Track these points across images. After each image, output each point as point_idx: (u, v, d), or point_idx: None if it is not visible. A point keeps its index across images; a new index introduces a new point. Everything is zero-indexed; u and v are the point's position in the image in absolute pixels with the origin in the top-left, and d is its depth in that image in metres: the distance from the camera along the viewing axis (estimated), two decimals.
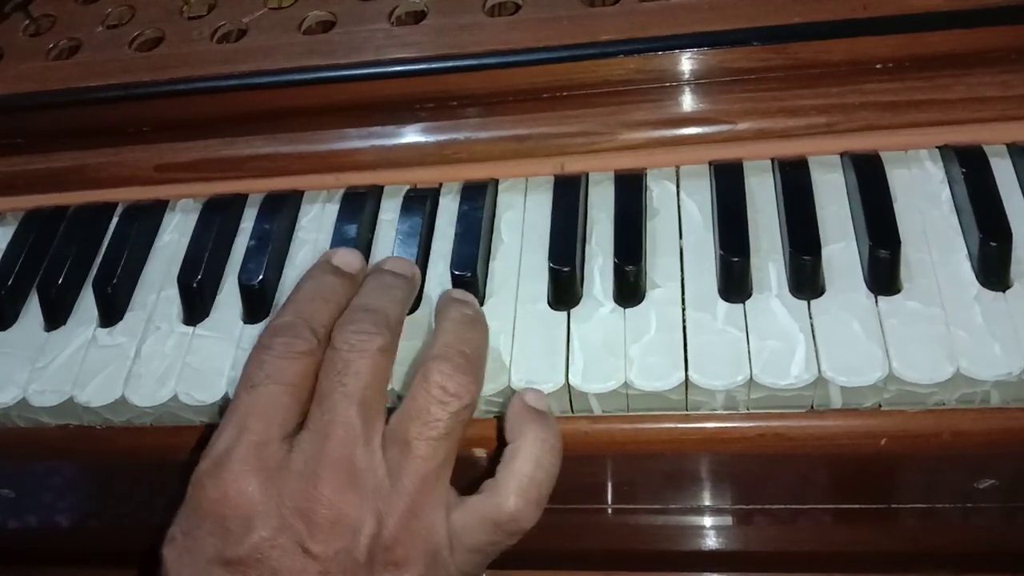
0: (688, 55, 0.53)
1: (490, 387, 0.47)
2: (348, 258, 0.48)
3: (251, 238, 0.55)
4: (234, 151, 0.57)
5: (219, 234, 0.56)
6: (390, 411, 0.43)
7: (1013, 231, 0.46)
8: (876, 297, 0.46)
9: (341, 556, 0.39)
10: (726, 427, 0.47)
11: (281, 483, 0.40)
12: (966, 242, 0.47)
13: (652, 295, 0.48)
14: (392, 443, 0.41)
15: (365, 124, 0.56)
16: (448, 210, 0.54)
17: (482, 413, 0.48)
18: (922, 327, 0.44)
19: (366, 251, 0.54)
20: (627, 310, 0.48)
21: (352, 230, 0.54)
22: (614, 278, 0.49)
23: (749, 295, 0.47)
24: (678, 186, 0.53)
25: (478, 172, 0.55)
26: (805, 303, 0.46)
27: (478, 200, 0.54)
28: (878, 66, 0.52)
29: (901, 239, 0.46)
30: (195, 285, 0.53)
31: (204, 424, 0.50)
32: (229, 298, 0.53)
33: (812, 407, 0.46)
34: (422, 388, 0.42)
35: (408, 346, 0.49)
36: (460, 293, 0.49)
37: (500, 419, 0.49)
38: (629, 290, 0.48)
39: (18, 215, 0.61)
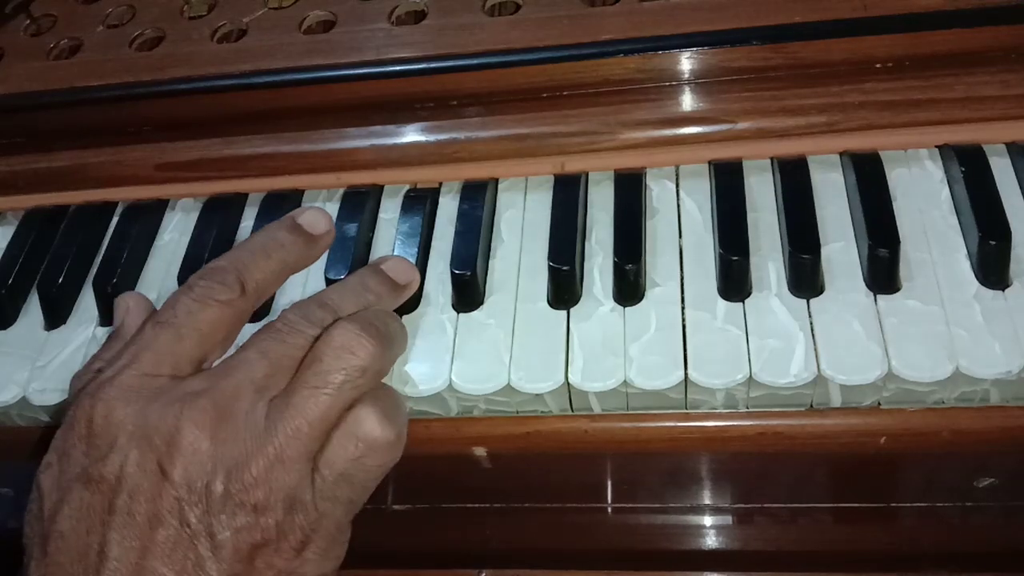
0: (688, 54, 0.53)
1: (490, 386, 0.47)
2: (314, 218, 0.47)
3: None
4: (234, 150, 0.58)
5: (219, 233, 0.56)
6: None
7: (1012, 230, 0.46)
8: (876, 296, 0.46)
9: (197, 487, 0.38)
10: (726, 426, 0.47)
11: (156, 408, 0.39)
12: (965, 241, 0.47)
13: (652, 294, 0.48)
14: (283, 392, 0.41)
15: (365, 124, 0.56)
16: (448, 209, 0.55)
17: (482, 412, 0.49)
18: (922, 326, 0.45)
19: (366, 251, 0.54)
20: (627, 309, 0.48)
21: (352, 229, 0.54)
22: (614, 277, 0.49)
23: (749, 294, 0.47)
24: (678, 185, 0.53)
25: (478, 171, 0.55)
26: (805, 302, 0.46)
27: (478, 199, 0.54)
28: (878, 65, 0.52)
29: (900, 238, 0.46)
30: None
31: None
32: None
33: (812, 406, 0.46)
34: (323, 342, 0.41)
35: (410, 344, 0.49)
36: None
37: (500, 419, 0.49)
38: (629, 289, 0.48)
39: (19, 214, 0.61)
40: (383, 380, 0.45)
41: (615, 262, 0.49)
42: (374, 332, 0.42)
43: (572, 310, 0.49)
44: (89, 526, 0.39)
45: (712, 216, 0.51)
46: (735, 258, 0.47)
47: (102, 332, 0.53)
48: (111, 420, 0.40)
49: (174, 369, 0.41)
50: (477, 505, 0.61)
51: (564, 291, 0.49)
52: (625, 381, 0.45)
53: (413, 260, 0.51)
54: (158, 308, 0.45)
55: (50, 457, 0.41)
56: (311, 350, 0.42)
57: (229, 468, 0.39)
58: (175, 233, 0.58)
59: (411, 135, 0.56)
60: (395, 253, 0.52)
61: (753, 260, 0.48)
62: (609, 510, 0.61)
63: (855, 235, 0.49)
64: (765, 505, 0.59)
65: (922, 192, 0.50)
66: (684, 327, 0.47)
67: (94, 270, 0.56)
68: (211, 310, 0.42)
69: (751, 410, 0.46)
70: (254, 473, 0.39)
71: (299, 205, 0.57)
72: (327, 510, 0.41)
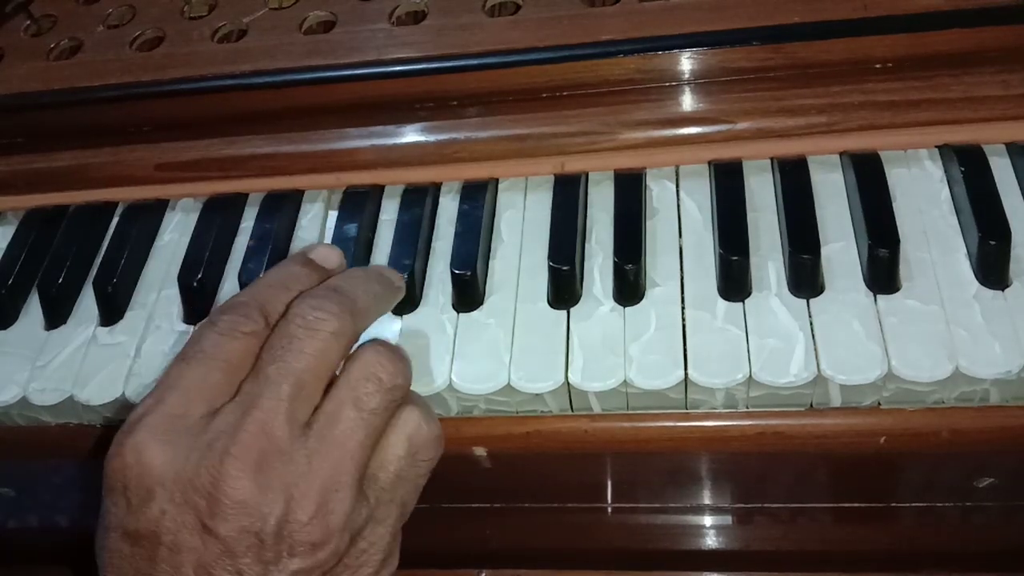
0: (688, 55, 0.53)
1: (490, 386, 0.47)
2: (326, 253, 0.47)
3: (251, 238, 0.55)
4: (234, 151, 0.58)
5: (219, 233, 0.56)
6: None
7: (1012, 230, 0.46)
8: (875, 296, 0.46)
9: (246, 536, 0.37)
10: (726, 425, 0.47)
11: (189, 455, 0.37)
12: (965, 241, 0.47)
13: (652, 294, 0.48)
14: (317, 420, 0.40)
15: (365, 124, 0.56)
16: (448, 209, 0.55)
17: (482, 412, 0.49)
18: (921, 326, 0.45)
19: (366, 251, 0.54)
20: (627, 309, 0.48)
21: (352, 229, 0.54)
22: (614, 277, 0.49)
23: (748, 294, 0.47)
24: (678, 185, 0.53)
25: (478, 171, 0.55)
26: (804, 302, 0.46)
27: (478, 199, 0.54)
28: (878, 66, 0.52)
29: (900, 238, 0.47)
30: (195, 284, 0.53)
31: None
32: (229, 297, 0.53)
33: (811, 405, 0.46)
34: (358, 367, 0.41)
35: (409, 343, 0.49)
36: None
37: (500, 419, 0.49)
38: (629, 289, 0.48)
39: (19, 214, 0.61)
40: None
41: (615, 262, 0.49)
42: (401, 353, 0.42)
43: (572, 310, 0.49)
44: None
45: (712, 216, 0.51)
46: (735, 258, 0.47)
47: (102, 332, 0.53)
48: (141, 471, 0.38)
49: (206, 405, 0.39)
50: (477, 505, 0.61)
51: (564, 291, 0.49)
52: (625, 381, 0.45)
53: (412, 260, 0.51)
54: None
55: (101, 509, 0.40)
56: (343, 373, 0.41)
57: (279, 514, 0.37)
58: (175, 233, 0.58)
59: (411, 135, 0.56)
60: (395, 253, 0.52)
61: (753, 260, 0.48)
62: (609, 510, 0.61)
63: (855, 235, 0.49)
64: (765, 505, 0.59)
65: (922, 192, 0.50)
66: (684, 327, 0.47)
67: (94, 270, 0.56)
68: (238, 342, 0.41)
69: (751, 410, 0.47)
70: (307, 513, 0.38)
71: (299, 205, 0.57)
72: (383, 517, 0.41)
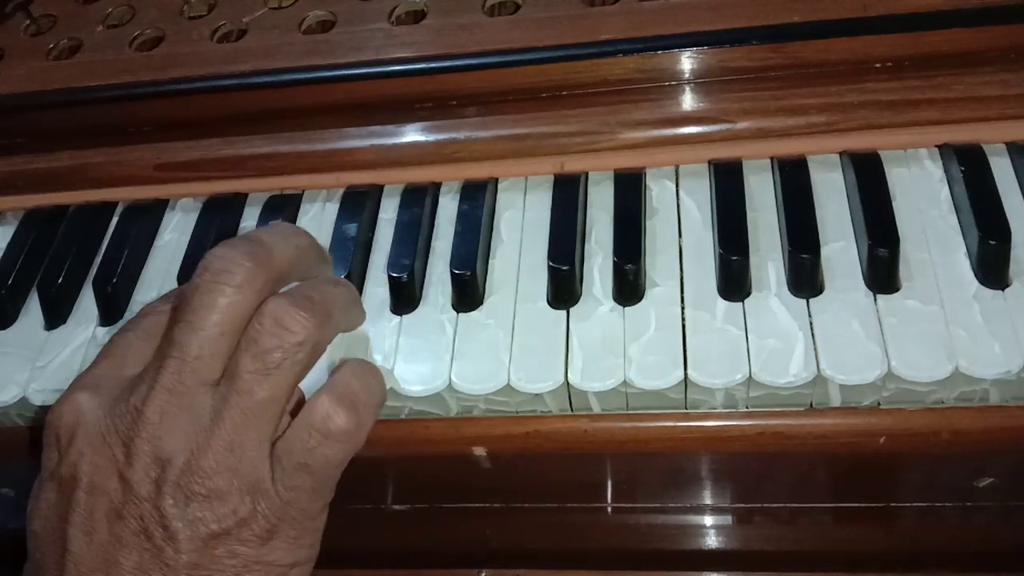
0: (687, 54, 0.53)
1: (490, 386, 0.47)
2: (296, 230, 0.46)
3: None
4: (234, 150, 0.58)
5: (219, 233, 0.56)
6: None
7: (1012, 230, 0.46)
8: (875, 296, 0.46)
9: (148, 482, 0.39)
10: (725, 425, 0.47)
11: (112, 407, 0.40)
12: (965, 241, 0.47)
13: (651, 294, 0.48)
14: (225, 377, 0.40)
15: (365, 123, 0.56)
16: (448, 209, 0.55)
17: (482, 412, 0.49)
18: (921, 326, 0.45)
19: (366, 251, 0.54)
20: (626, 309, 0.48)
21: (352, 229, 0.54)
22: (613, 277, 0.49)
23: (748, 294, 0.47)
24: (677, 185, 0.53)
25: (478, 171, 0.55)
26: (804, 302, 0.46)
27: (478, 199, 0.54)
28: (877, 65, 0.52)
29: (900, 238, 0.46)
30: None
31: None
32: None
33: (811, 405, 0.46)
34: (256, 321, 0.40)
35: (408, 343, 0.49)
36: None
37: (500, 419, 0.49)
38: (628, 289, 0.48)
39: (18, 214, 0.61)
40: (368, 363, 0.44)
41: (615, 262, 0.49)
42: (308, 305, 0.41)
43: (572, 310, 0.49)
44: (53, 523, 0.40)
45: (712, 216, 0.51)
46: (735, 258, 0.47)
47: (102, 332, 0.53)
48: (68, 419, 0.41)
49: (135, 369, 0.42)
50: (477, 505, 0.61)
51: (564, 291, 0.49)
52: (625, 381, 0.45)
53: (412, 260, 0.51)
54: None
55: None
56: (247, 330, 0.40)
57: (181, 460, 0.39)
58: (175, 233, 0.58)
59: (411, 135, 0.56)
60: (394, 253, 0.52)
61: (753, 260, 0.48)
62: (609, 510, 0.61)
63: (855, 235, 0.49)
64: (765, 505, 0.59)
65: (922, 192, 0.50)
66: (684, 327, 0.47)
67: (94, 270, 0.56)
68: (162, 315, 0.43)
69: (751, 410, 0.46)
70: (207, 463, 0.39)
71: (299, 205, 0.57)
72: (291, 499, 0.40)
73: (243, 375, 0.40)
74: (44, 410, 0.51)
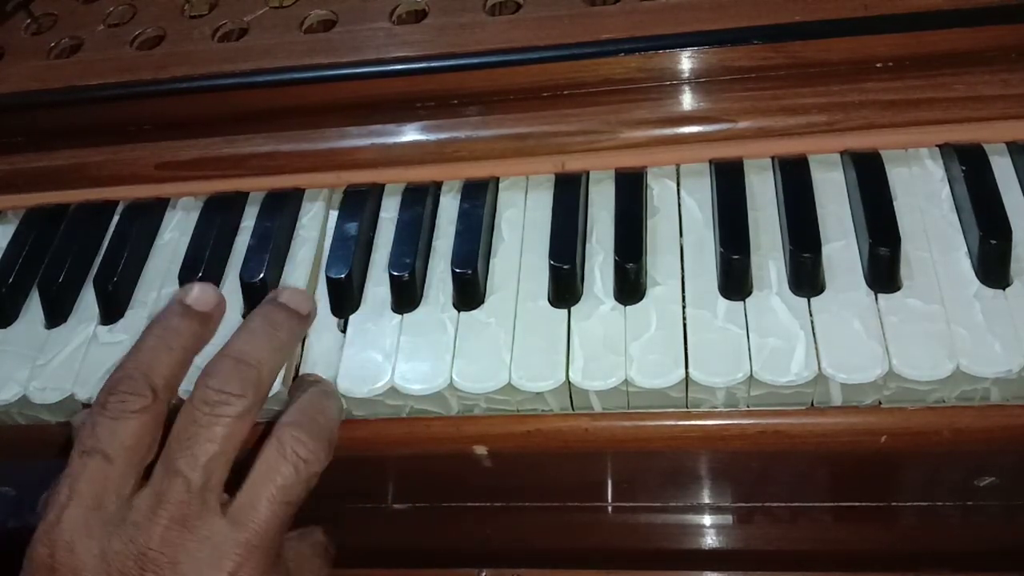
0: (688, 54, 0.53)
1: (491, 385, 0.47)
2: (200, 295, 0.47)
3: (252, 236, 0.55)
4: (235, 149, 0.57)
5: (220, 232, 0.56)
6: None
7: (1013, 229, 0.46)
8: (876, 295, 0.46)
9: None
10: (726, 424, 0.47)
11: (111, 543, 0.40)
12: (966, 240, 0.47)
13: (652, 293, 0.48)
14: (239, 504, 0.42)
15: (366, 122, 0.56)
16: (449, 208, 0.55)
17: (483, 411, 0.49)
18: (922, 325, 0.45)
19: (367, 250, 0.54)
20: (627, 308, 0.48)
21: (353, 228, 0.54)
22: (614, 276, 0.49)
23: (749, 293, 0.47)
24: (678, 184, 0.53)
25: (479, 170, 0.55)
26: (805, 301, 0.46)
27: (479, 198, 0.54)
28: (878, 65, 0.52)
29: (901, 237, 0.46)
30: None
31: None
32: (230, 296, 0.53)
33: (812, 404, 0.46)
34: (276, 452, 0.42)
35: (409, 342, 0.49)
36: (314, 376, 0.49)
37: (501, 418, 0.49)
38: (630, 288, 0.48)
39: (19, 213, 0.61)
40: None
41: (616, 261, 0.49)
42: (318, 432, 0.44)
43: (573, 309, 0.49)
44: None
45: (713, 215, 0.51)
46: (736, 257, 0.47)
47: (102, 331, 0.53)
48: (67, 561, 0.40)
49: (116, 494, 0.42)
50: (477, 505, 0.61)
51: (565, 290, 0.49)
52: (626, 380, 0.45)
53: (413, 259, 0.51)
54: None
55: None
56: (261, 455, 0.43)
57: None
58: (175, 232, 0.58)
59: (412, 134, 0.56)
60: (395, 252, 0.52)
61: (754, 259, 0.48)
62: (609, 510, 0.61)
63: (856, 234, 0.49)
64: (765, 505, 0.59)
65: (923, 191, 0.50)
66: (685, 326, 0.47)
67: (95, 269, 0.56)
68: (132, 423, 0.42)
69: (752, 409, 0.46)
70: None
71: (300, 204, 0.57)
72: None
73: (264, 504, 0.42)
74: (44, 408, 0.51)
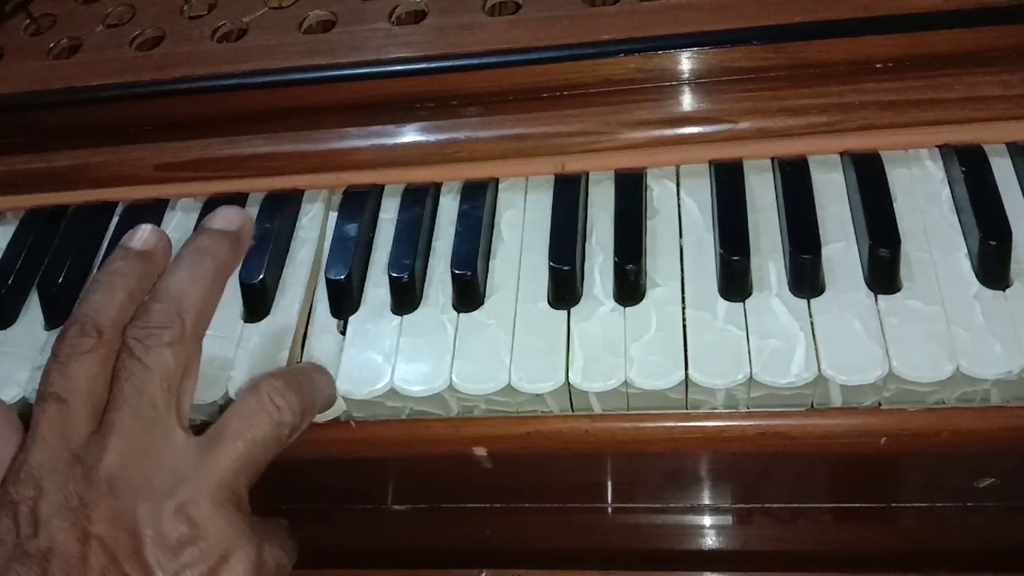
0: (688, 54, 0.53)
1: (490, 386, 0.47)
2: (140, 235, 0.49)
3: (251, 237, 0.55)
4: (235, 150, 0.57)
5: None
6: None
7: (1013, 230, 0.46)
8: (876, 296, 0.46)
9: (122, 539, 0.40)
10: (726, 426, 0.47)
11: (74, 475, 0.41)
12: (966, 241, 0.47)
13: (652, 294, 0.48)
14: (206, 435, 0.43)
15: (365, 123, 0.56)
16: (448, 209, 0.54)
17: (483, 412, 0.49)
18: (922, 326, 0.45)
19: (366, 251, 0.54)
20: (627, 309, 0.48)
21: (352, 229, 0.54)
22: (614, 277, 0.49)
23: (749, 294, 0.47)
24: (678, 185, 0.53)
25: (478, 171, 0.55)
26: (805, 302, 0.46)
27: (478, 199, 0.54)
28: (878, 65, 0.52)
29: (901, 238, 0.46)
30: None
31: (202, 422, 0.50)
32: (230, 297, 0.53)
33: (812, 406, 0.46)
34: (252, 395, 0.44)
35: (409, 343, 0.49)
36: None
37: (501, 419, 0.49)
38: (629, 289, 0.48)
39: (18, 214, 0.61)
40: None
41: (616, 262, 0.49)
42: (298, 387, 0.45)
43: (573, 310, 0.49)
44: None
45: (712, 216, 0.51)
46: (736, 258, 0.47)
47: None
48: (28, 495, 0.41)
49: (76, 432, 0.43)
50: (477, 505, 0.61)
51: (565, 291, 0.49)
52: (626, 381, 0.45)
53: (412, 259, 0.51)
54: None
55: None
56: (238, 399, 0.44)
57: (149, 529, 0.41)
58: (175, 233, 0.58)
59: (411, 135, 0.56)
60: (394, 253, 0.52)
61: (753, 260, 0.48)
62: (609, 510, 0.61)
63: (856, 235, 0.49)
64: (765, 505, 0.59)
65: (923, 192, 0.50)
66: (685, 327, 0.47)
67: (94, 270, 0.56)
68: (80, 364, 0.43)
69: (751, 410, 0.46)
70: (193, 514, 0.41)
71: (299, 205, 0.57)
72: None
73: (233, 442, 0.43)
74: None
